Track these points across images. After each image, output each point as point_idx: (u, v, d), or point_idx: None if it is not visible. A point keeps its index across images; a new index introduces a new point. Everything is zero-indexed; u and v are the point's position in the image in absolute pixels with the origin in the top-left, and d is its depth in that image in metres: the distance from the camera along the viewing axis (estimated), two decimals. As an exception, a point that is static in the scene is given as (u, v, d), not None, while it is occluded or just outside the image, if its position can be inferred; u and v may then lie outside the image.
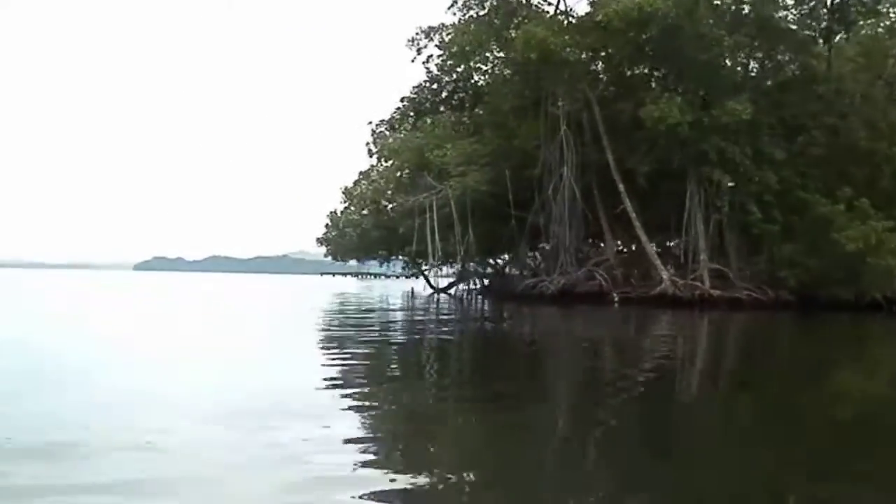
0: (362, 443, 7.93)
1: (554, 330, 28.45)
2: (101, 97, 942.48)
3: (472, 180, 45.51)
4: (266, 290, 71.19)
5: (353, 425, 8.78)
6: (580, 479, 7.10)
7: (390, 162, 53.45)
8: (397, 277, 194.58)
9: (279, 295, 60.62)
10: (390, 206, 50.27)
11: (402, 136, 53.43)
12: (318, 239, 68.98)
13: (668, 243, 48.16)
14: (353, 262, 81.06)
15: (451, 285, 61.55)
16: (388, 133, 56.40)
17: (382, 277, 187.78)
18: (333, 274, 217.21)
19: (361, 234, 57.80)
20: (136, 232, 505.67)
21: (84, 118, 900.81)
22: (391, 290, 75.35)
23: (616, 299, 43.92)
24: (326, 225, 63.54)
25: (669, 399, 12.18)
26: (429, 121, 51.54)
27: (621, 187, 44.21)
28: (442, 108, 53.71)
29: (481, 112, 47.56)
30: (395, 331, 24.40)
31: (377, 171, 56.67)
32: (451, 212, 46.59)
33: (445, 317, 33.50)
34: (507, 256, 57.14)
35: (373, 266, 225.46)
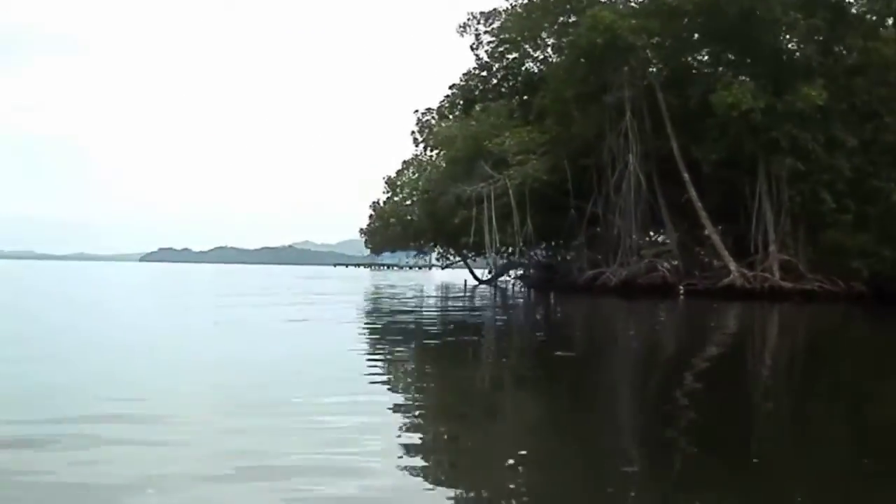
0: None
1: (701, 334, 23.27)
2: (107, 85, 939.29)
3: (531, 169, 44.28)
4: (309, 285, 68.57)
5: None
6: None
7: (441, 151, 52.09)
8: (410, 268, 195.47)
9: (339, 291, 56.36)
10: (443, 195, 48.90)
11: (450, 124, 52.15)
12: (361, 230, 67.90)
13: (730, 233, 46.87)
14: (387, 253, 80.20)
15: (495, 276, 60.30)
16: (434, 121, 55.20)
17: (395, 268, 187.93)
18: (346, 265, 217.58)
19: (407, 225, 56.52)
20: (143, 224, 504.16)
21: (88, 106, 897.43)
22: (420, 281, 74.20)
23: (682, 291, 42.74)
24: (370, 216, 62.47)
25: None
26: (478, 108, 50.08)
27: (686, 176, 43.04)
28: (491, 96, 52.35)
29: (538, 100, 46.14)
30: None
31: (423, 159, 55.47)
32: (508, 201, 45.37)
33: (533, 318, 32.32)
34: (549, 247, 56.04)
35: (385, 257, 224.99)
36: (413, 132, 55.31)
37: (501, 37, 50.45)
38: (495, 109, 48.29)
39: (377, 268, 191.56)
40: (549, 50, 50.29)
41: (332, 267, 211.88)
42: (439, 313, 29.21)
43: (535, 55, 51.45)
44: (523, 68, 52.28)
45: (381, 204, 60.69)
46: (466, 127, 48.38)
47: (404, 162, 58.26)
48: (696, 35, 42.95)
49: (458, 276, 79.50)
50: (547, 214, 46.83)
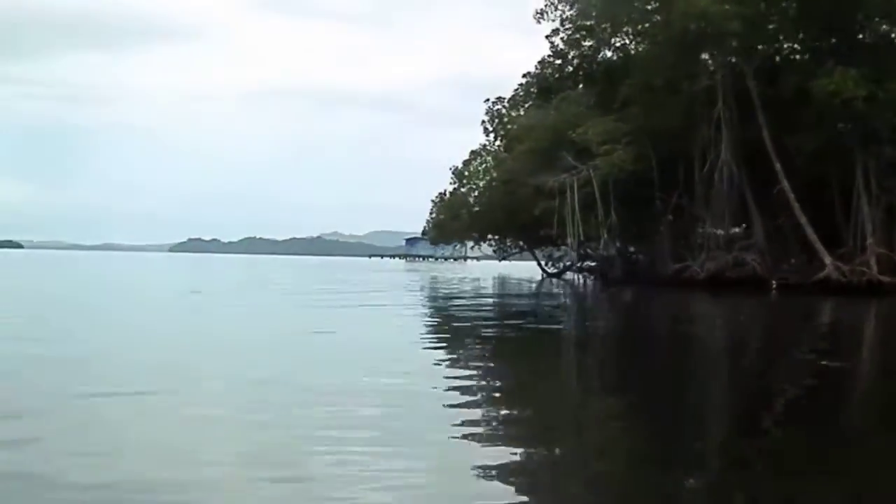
0: None
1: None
2: (137, 74, 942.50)
3: (617, 159, 43.16)
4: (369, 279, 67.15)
5: None
6: None
7: (510, 141, 51.04)
8: (445, 260, 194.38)
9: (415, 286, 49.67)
10: (521, 186, 47.88)
11: (526, 113, 51.12)
12: (427, 220, 67.40)
13: (820, 226, 45.54)
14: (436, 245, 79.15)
15: (565, 269, 59.30)
16: (504, 111, 54.21)
17: (430, 260, 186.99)
18: (381, 256, 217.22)
19: (479, 216, 55.55)
20: (171, 214, 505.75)
21: (118, 97, 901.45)
22: (476, 273, 73.06)
23: (775, 286, 41.54)
24: (434, 207, 61.79)
25: None
26: (559, 97, 48.93)
27: (778, 166, 41.74)
28: (567, 85, 51.22)
29: (623, 88, 44.89)
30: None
31: (493, 149, 54.49)
32: (591, 192, 44.32)
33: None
34: (628, 239, 54.86)
35: (420, 248, 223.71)
36: (483, 122, 54.45)
37: (578, 23, 49.29)
38: (575, 98, 47.17)
39: (412, 259, 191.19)
40: (628, 37, 49.08)
41: (368, 258, 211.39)
42: (582, 319, 27.44)
43: (613, 42, 50.24)
44: (600, 56, 51.07)
45: (447, 195, 60.00)
46: (546, 116, 47.30)
47: (472, 152, 57.35)
48: (792, 21, 41.58)
49: (515, 269, 78.78)
50: (628, 206, 45.74)
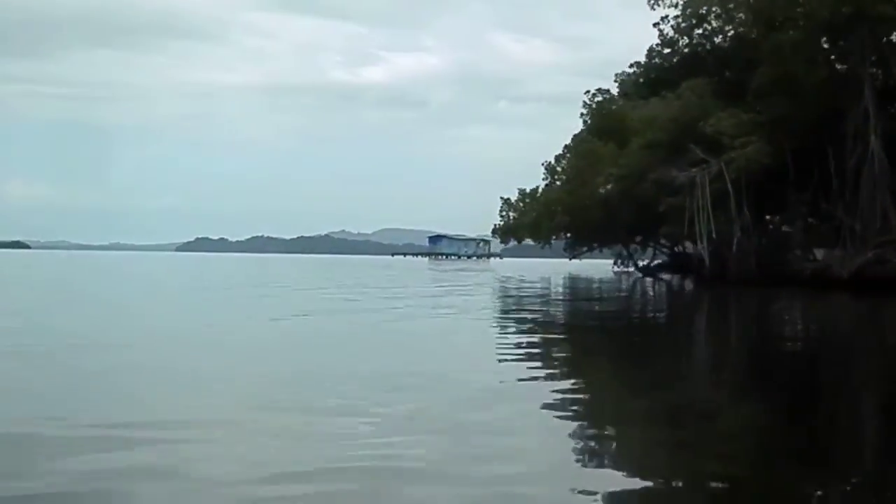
0: None
1: None
2: (148, 73, 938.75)
3: (753, 152, 40.67)
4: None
5: None
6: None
7: (638, 135, 48.08)
8: (469, 258, 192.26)
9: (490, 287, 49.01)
10: (640, 181, 45.33)
11: (637, 103, 48.61)
12: (502, 216, 64.99)
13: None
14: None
15: (654, 268, 56.96)
16: (606, 101, 51.69)
17: (454, 258, 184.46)
18: (405, 254, 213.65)
19: (573, 214, 52.86)
20: (178, 213, 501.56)
21: (128, 95, 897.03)
22: (542, 272, 70.38)
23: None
24: (519, 203, 59.38)
25: None
26: (676, 89, 46.28)
27: (927, 159, 39.39)
28: (679, 74, 48.67)
29: (756, 77, 42.36)
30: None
31: (593, 145, 51.88)
32: (720, 187, 41.83)
33: None
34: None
35: (443, 246, 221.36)
36: (582, 114, 52.00)
37: (689, 10, 46.81)
38: (699, 88, 44.55)
39: (435, 258, 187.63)
40: (742, 24, 46.55)
41: (391, 257, 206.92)
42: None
43: (727, 30, 47.73)
44: (714, 42, 48.56)
45: (527, 192, 57.44)
46: (668, 107, 44.72)
47: (566, 146, 54.84)
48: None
49: (583, 267, 75.90)
50: (759, 202, 43.31)
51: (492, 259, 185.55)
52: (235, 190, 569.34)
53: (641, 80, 50.98)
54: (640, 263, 63.03)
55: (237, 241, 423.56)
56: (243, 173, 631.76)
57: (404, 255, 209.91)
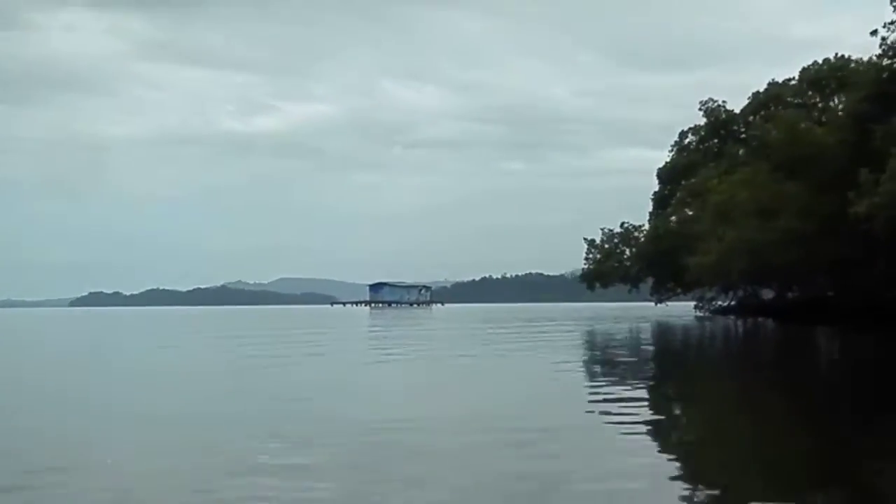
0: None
1: None
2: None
3: None
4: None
5: None
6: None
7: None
8: (410, 305, 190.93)
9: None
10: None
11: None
12: (588, 259, 65.00)
13: None
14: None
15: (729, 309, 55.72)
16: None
17: (395, 306, 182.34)
18: (344, 303, 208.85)
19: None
20: (70, 268, 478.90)
21: (15, 148, 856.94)
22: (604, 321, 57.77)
23: None
24: (591, 248, 58.54)
25: None
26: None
27: None
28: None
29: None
30: None
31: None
32: None
33: None
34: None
35: (388, 293, 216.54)
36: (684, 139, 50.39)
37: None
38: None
39: (377, 306, 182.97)
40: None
41: (330, 306, 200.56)
42: None
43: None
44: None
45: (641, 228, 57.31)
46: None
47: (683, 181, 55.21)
48: None
49: (622, 311, 72.37)
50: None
51: (433, 306, 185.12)
52: (128, 243, 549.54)
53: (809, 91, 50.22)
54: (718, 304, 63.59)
55: (132, 295, 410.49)
56: (136, 225, 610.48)
57: (343, 304, 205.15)
